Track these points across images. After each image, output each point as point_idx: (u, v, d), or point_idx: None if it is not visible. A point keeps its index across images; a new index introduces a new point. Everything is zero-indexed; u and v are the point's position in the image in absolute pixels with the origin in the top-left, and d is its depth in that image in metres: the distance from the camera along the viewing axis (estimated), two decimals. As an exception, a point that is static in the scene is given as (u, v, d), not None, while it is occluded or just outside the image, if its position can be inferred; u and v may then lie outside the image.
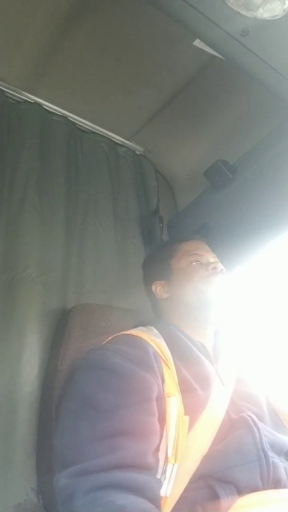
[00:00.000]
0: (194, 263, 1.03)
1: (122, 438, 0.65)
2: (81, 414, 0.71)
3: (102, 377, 0.75)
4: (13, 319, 1.03)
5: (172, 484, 0.67)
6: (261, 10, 0.75)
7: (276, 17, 0.77)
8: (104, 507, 0.56)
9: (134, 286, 1.17)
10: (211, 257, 1.06)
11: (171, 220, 1.56)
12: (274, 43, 0.86)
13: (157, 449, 0.70)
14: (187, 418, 0.74)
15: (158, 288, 1.06)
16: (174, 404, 0.75)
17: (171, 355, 0.85)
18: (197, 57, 1.13)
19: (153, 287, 1.07)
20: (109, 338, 0.89)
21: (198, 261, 1.03)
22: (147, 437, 0.68)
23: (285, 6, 0.75)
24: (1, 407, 0.92)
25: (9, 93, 1.33)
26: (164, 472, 0.68)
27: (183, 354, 0.87)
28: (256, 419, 0.78)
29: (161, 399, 0.75)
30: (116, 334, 0.89)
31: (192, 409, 0.76)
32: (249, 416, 0.78)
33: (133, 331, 0.90)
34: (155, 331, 0.92)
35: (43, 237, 1.18)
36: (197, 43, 0.89)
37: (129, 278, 1.31)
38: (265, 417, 0.83)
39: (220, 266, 1.02)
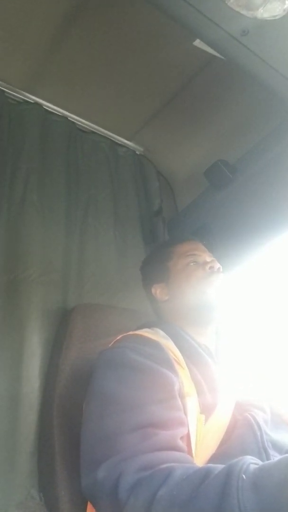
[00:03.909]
0: (192, 264, 1.03)
1: (152, 428, 0.65)
2: (105, 413, 0.70)
3: (123, 374, 0.74)
4: (14, 320, 1.03)
5: None
6: (261, 10, 0.75)
7: (276, 17, 0.77)
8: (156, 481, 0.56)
9: (135, 286, 1.17)
10: (207, 257, 1.06)
11: (171, 220, 1.56)
12: (274, 43, 0.87)
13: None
14: (203, 416, 0.75)
15: (158, 291, 1.06)
16: (192, 404, 0.75)
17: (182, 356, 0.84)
18: (197, 57, 1.13)
19: (153, 290, 1.07)
20: (118, 338, 0.88)
21: (195, 261, 1.04)
22: (176, 428, 0.68)
23: (285, 6, 0.75)
24: (2, 407, 0.92)
25: (9, 93, 1.33)
26: None
27: (192, 356, 0.87)
28: (257, 418, 0.78)
29: (181, 398, 0.75)
30: (124, 334, 0.88)
31: (203, 411, 0.77)
32: (251, 415, 0.78)
33: (141, 332, 0.89)
34: (162, 333, 0.91)
35: (43, 237, 1.18)
36: (197, 43, 0.89)
37: (130, 278, 1.31)
38: (267, 417, 0.83)
39: (217, 265, 1.03)
